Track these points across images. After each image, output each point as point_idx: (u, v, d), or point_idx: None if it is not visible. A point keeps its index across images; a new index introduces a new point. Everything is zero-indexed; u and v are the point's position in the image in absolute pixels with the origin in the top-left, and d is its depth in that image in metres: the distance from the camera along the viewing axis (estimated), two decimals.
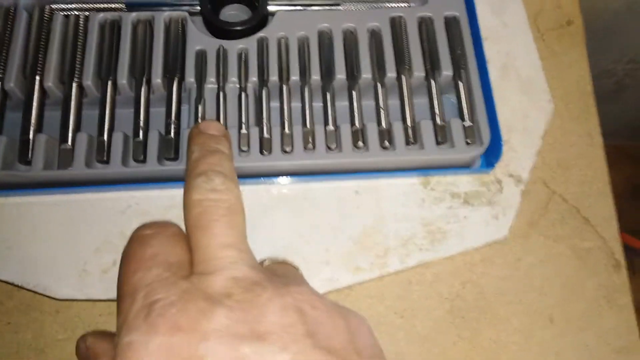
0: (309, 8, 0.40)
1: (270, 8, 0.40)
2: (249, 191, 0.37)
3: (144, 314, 0.18)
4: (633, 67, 0.97)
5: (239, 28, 0.39)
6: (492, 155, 0.38)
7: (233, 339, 0.17)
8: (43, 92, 0.37)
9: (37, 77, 0.36)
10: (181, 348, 0.17)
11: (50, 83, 0.36)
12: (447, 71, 0.38)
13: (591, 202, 0.42)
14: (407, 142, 0.36)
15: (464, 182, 0.39)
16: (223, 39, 0.38)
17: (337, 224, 0.37)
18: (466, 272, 0.39)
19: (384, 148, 0.36)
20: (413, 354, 0.37)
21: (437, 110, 0.37)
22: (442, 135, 0.36)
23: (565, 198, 0.42)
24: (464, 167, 0.38)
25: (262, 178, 0.37)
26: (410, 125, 0.37)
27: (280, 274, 0.22)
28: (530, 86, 0.42)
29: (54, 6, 0.38)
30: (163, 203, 0.37)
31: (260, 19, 0.39)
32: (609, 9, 0.80)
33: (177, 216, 0.37)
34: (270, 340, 0.18)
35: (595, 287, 0.40)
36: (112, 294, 0.35)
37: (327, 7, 0.40)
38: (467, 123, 0.37)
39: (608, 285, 0.40)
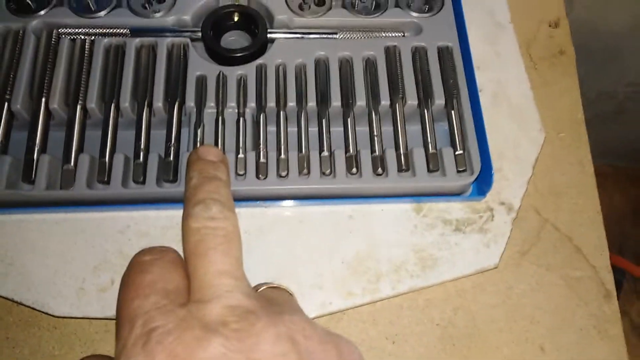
0: (307, 36, 0.41)
1: (270, 36, 0.41)
2: (245, 214, 0.38)
3: (143, 341, 0.19)
4: (633, 90, 0.97)
5: (239, 54, 0.40)
6: (483, 183, 0.39)
7: None
8: (48, 113, 0.38)
9: (43, 99, 0.38)
10: None
11: (55, 105, 0.37)
12: (439, 100, 0.39)
13: (583, 230, 0.42)
14: (400, 169, 0.37)
15: (456, 209, 0.40)
16: (223, 64, 0.40)
17: (330, 248, 0.38)
18: (457, 299, 0.40)
19: (377, 175, 0.37)
20: None
21: (429, 139, 0.38)
22: (433, 163, 0.37)
23: (557, 226, 0.42)
24: (455, 194, 0.39)
25: (257, 201, 0.37)
26: (403, 152, 0.38)
27: (274, 301, 0.23)
28: (522, 115, 0.43)
29: (61, 30, 0.40)
30: (161, 223, 0.38)
31: (259, 46, 0.40)
32: (609, 31, 0.81)
33: (175, 236, 0.38)
34: None
35: (586, 316, 0.40)
36: (109, 312, 0.36)
37: (325, 36, 0.41)
38: (459, 151, 0.38)
39: (599, 315, 0.40)
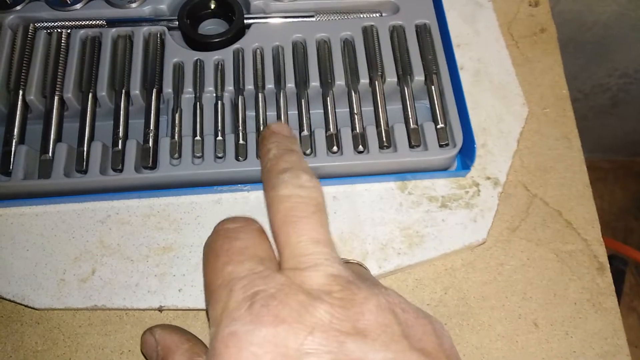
0: (284, 20, 0.41)
1: (247, 21, 0.41)
2: (226, 199, 0.38)
3: (247, 304, 0.18)
4: (626, 82, 0.97)
5: (215, 40, 0.40)
6: (467, 157, 0.38)
7: (337, 334, 0.18)
8: (25, 105, 0.38)
9: (20, 92, 0.37)
10: (287, 340, 0.17)
11: (32, 97, 0.37)
12: (419, 76, 0.39)
13: (572, 204, 0.42)
14: (381, 146, 0.37)
15: (441, 185, 0.39)
16: (201, 51, 0.39)
17: None
18: (448, 278, 0.39)
19: (359, 152, 0.36)
20: None
21: (410, 115, 0.38)
22: (415, 138, 0.37)
23: (546, 201, 0.42)
24: (440, 170, 0.38)
25: (238, 185, 0.37)
26: (383, 129, 0.37)
27: (361, 275, 0.22)
28: (504, 91, 0.43)
29: (37, 25, 0.40)
30: (142, 212, 0.37)
31: (236, 32, 0.40)
32: (599, 22, 0.81)
33: (155, 225, 0.37)
34: (371, 338, 0.18)
35: (579, 290, 0.39)
36: (91, 302, 0.35)
37: (301, 19, 0.41)
38: (440, 125, 0.37)
39: (592, 289, 0.39)
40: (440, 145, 0.37)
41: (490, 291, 0.39)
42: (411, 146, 0.37)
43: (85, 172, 0.35)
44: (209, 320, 0.20)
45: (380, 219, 0.38)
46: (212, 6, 0.42)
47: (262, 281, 0.19)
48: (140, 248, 0.36)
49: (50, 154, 0.36)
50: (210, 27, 0.43)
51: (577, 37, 0.49)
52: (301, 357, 0.17)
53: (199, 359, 0.21)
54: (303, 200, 0.21)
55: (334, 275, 0.19)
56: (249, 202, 0.38)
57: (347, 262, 0.24)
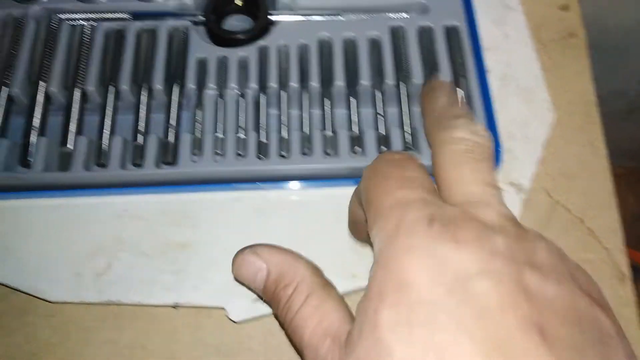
0: (310, 18, 0.40)
1: (272, 18, 0.40)
2: (246, 197, 0.37)
3: (426, 222, 0.18)
4: None
5: (240, 37, 0.39)
6: None
7: (517, 264, 0.18)
8: (47, 97, 0.37)
9: (42, 83, 0.37)
10: (468, 261, 0.17)
11: (54, 88, 0.37)
12: (446, 79, 0.38)
13: (595, 213, 0.41)
14: (405, 148, 0.36)
15: None
16: (225, 47, 0.39)
17: (333, 231, 0.37)
18: None
19: (381, 153, 0.36)
20: None
21: None
22: None
23: (568, 208, 0.41)
24: None
25: (258, 183, 0.36)
26: (408, 131, 0.37)
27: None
28: (531, 95, 0.42)
29: (61, 16, 0.40)
30: (159, 207, 0.37)
31: (261, 28, 0.40)
32: (619, 27, 0.80)
33: (172, 221, 0.37)
34: (545, 273, 0.18)
35: None
36: (106, 297, 0.35)
37: (328, 17, 0.40)
38: None
39: (614, 299, 0.38)
40: None
41: None
42: None
43: (105, 165, 0.35)
44: (371, 245, 0.21)
45: None
46: (238, 2, 0.42)
47: (436, 207, 0.19)
48: (156, 244, 0.36)
49: (70, 146, 0.35)
50: (235, 22, 0.43)
51: (597, 42, 0.49)
52: (482, 278, 0.17)
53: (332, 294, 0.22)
54: (479, 145, 0.21)
55: (506, 214, 0.20)
56: (268, 201, 0.37)
57: None
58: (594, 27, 0.52)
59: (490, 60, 0.43)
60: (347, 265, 0.36)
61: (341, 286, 0.35)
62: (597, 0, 0.72)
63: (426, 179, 0.21)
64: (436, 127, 0.23)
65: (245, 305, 0.34)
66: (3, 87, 0.37)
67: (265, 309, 0.35)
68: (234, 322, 0.34)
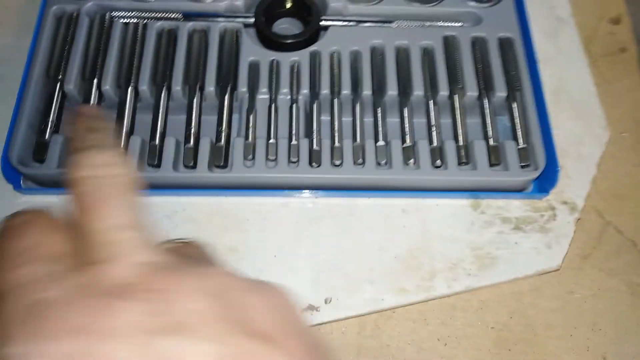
0: (361, 24, 0.40)
1: (323, 23, 0.40)
2: (295, 204, 0.37)
3: (22, 318, 0.15)
4: None
5: (291, 41, 0.39)
6: (546, 180, 0.37)
7: (144, 335, 0.15)
8: (100, 94, 0.37)
9: (95, 80, 0.37)
10: (79, 354, 0.15)
11: (107, 86, 0.37)
12: (500, 92, 0.37)
13: None
14: (460, 162, 0.35)
15: (515, 207, 0.38)
16: (274, 50, 0.39)
17: (382, 242, 0.36)
18: (514, 302, 0.37)
19: (436, 167, 0.35)
20: None
21: (490, 131, 0.36)
22: (495, 157, 0.35)
23: (620, 230, 0.40)
24: (516, 191, 0.37)
25: (309, 191, 0.36)
26: (462, 144, 0.36)
27: (185, 256, 0.19)
28: (584, 111, 0.41)
29: (114, 14, 0.40)
30: (209, 209, 0.37)
31: (312, 33, 0.39)
32: None
33: (221, 223, 0.37)
34: (191, 330, 0.15)
35: None
36: None
37: (380, 24, 0.40)
38: (522, 145, 0.36)
39: None
40: (522, 166, 0.35)
41: (557, 319, 0.37)
42: (491, 164, 0.35)
43: (158, 166, 0.35)
44: None
45: (451, 237, 0.37)
46: (288, 5, 0.41)
47: (53, 284, 0.16)
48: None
49: (122, 147, 0.35)
50: (284, 25, 0.42)
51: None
52: None
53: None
54: (102, 180, 0.18)
55: (142, 264, 0.16)
56: (318, 209, 0.37)
57: (174, 243, 0.21)
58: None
59: (542, 73, 0.42)
60: (396, 279, 0.35)
61: (389, 301, 0.35)
62: None
63: (51, 242, 0.18)
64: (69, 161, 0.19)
65: None
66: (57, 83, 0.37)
67: (313, 320, 0.34)
68: None
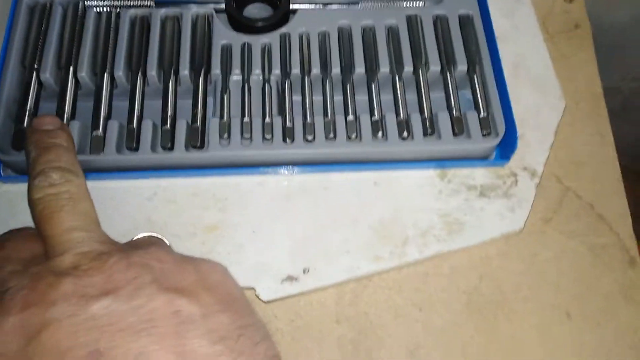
0: (328, 6, 0.41)
1: (292, 6, 0.41)
2: (270, 181, 0.38)
3: None
4: (638, 85, 0.97)
5: (261, 24, 0.40)
6: (507, 147, 0.39)
7: (80, 299, 0.19)
8: (76, 82, 0.38)
9: (71, 68, 0.38)
10: (32, 320, 0.18)
11: (83, 74, 0.38)
12: (462, 66, 0.39)
13: (604, 199, 0.42)
14: (425, 133, 0.37)
15: (479, 174, 0.40)
16: (247, 34, 0.40)
17: (356, 214, 0.38)
18: (482, 266, 0.40)
19: (403, 138, 0.37)
20: (431, 347, 0.37)
21: (453, 103, 0.38)
22: (458, 126, 0.38)
23: (579, 194, 0.42)
24: (480, 159, 0.39)
25: (284, 167, 0.38)
26: (427, 116, 0.38)
27: (137, 245, 0.23)
28: (542, 84, 0.44)
29: (87, 3, 0.40)
30: (188, 191, 0.38)
31: (282, 16, 0.41)
32: (615, 23, 0.81)
33: (201, 204, 0.38)
34: (118, 294, 0.19)
35: (610, 283, 0.40)
36: None
37: (346, 6, 0.41)
38: (483, 114, 0.38)
39: (624, 282, 0.40)
40: (483, 135, 0.37)
41: (524, 281, 0.39)
42: (455, 134, 0.37)
43: (136, 149, 0.36)
44: None
45: (421, 206, 0.39)
46: None
47: (16, 278, 0.20)
48: (186, 226, 0.37)
49: (101, 131, 0.36)
50: (254, 10, 0.44)
51: (593, 39, 0.51)
52: (44, 328, 0.18)
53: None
54: (54, 197, 0.22)
55: (84, 253, 0.21)
56: (292, 185, 0.38)
57: (139, 238, 0.25)
58: (592, 25, 0.54)
59: (501, 50, 0.44)
60: (371, 248, 0.37)
61: (366, 268, 0.37)
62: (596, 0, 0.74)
63: (24, 249, 0.22)
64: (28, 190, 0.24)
65: (274, 286, 0.36)
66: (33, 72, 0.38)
67: (293, 290, 0.36)
68: (264, 302, 0.35)
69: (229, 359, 0.19)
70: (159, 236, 0.26)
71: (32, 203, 0.23)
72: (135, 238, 0.25)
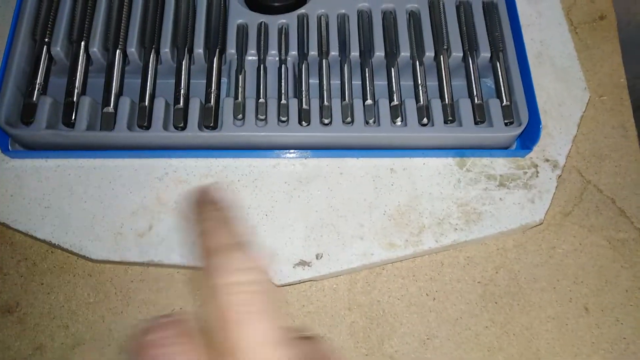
0: None
1: None
2: (285, 164, 0.37)
3: None
4: None
5: (279, 4, 0.39)
6: (528, 138, 0.38)
7: None
8: (88, 57, 0.37)
9: (83, 43, 0.37)
10: None
11: (95, 48, 0.37)
12: (485, 52, 0.38)
13: (626, 193, 0.41)
14: (446, 120, 0.36)
15: (499, 164, 0.39)
16: (264, 14, 0.39)
17: (371, 200, 0.37)
18: (499, 257, 0.39)
19: (423, 125, 0.36)
20: (444, 336, 0.36)
21: (475, 90, 0.37)
22: (480, 114, 0.36)
23: (600, 188, 0.41)
24: (501, 148, 0.38)
25: (299, 151, 0.37)
26: (448, 103, 0.37)
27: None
28: (566, 74, 0.42)
29: None
30: (199, 172, 0.37)
31: None
32: (633, 22, 0.80)
33: (212, 184, 0.37)
34: None
35: (630, 278, 0.39)
36: (147, 257, 0.35)
37: None
38: (505, 103, 0.37)
39: None
40: (505, 124, 0.36)
41: (541, 273, 0.38)
42: (476, 122, 0.36)
43: (147, 127, 0.35)
44: None
45: (438, 194, 0.37)
46: None
47: None
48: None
49: (112, 107, 0.35)
50: None
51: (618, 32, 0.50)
52: None
53: None
54: (245, 289, 0.17)
55: None
56: (306, 169, 0.37)
57: (300, 338, 0.20)
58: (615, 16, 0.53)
59: (525, 37, 0.43)
60: (386, 235, 0.36)
61: (380, 255, 0.36)
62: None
63: (182, 355, 0.17)
64: (203, 269, 0.18)
65: (286, 270, 0.35)
66: (44, 46, 0.37)
67: (305, 275, 0.35)
68: (276, 285, 0.35)
69: None
70: (320, 336, 0.21)
71: (210, 289, 0.17)
72: (297, 338, 0.20)
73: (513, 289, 0.38)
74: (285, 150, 0.37)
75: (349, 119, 0.36)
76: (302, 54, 0.38)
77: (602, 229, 0.40)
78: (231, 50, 0.38)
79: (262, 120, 0.36)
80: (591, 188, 0.41)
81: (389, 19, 0.39)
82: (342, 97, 0.37)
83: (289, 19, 0.39)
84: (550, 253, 0.39)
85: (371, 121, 0.36)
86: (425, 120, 0.36)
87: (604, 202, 0.41)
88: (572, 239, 0.40)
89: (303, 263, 0.35)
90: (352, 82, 0.38)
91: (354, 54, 0.38)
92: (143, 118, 0.35)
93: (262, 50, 0.38)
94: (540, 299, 0.38)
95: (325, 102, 0.36)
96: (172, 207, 0.36)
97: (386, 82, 0.38)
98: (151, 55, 0.37)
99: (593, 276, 0.39)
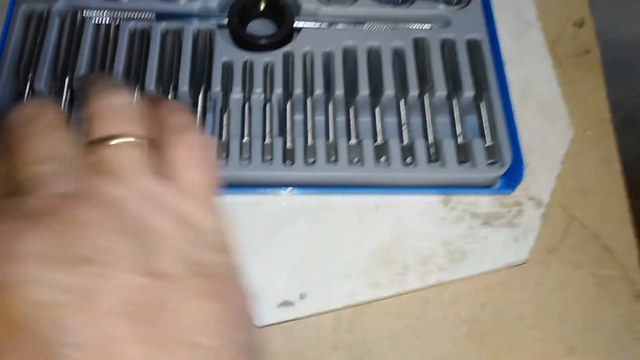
0: (334, 26, 0.41)
1: (296, 25, 0.40)
2: (269, 201, 0.37)
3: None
4: None
5: (265, 42, 0.39)
6: (512, 177, 0.38)
7: (45, 264, 0.15)
8: (72, 93, 0.37)
9: (67, 79, 0.37)
10: None
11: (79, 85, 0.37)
12: (468, 92, 0.39)
13: (611, 230, 0.41)
14: (429, 160, 0.36)
15: (484, 202, 0.39)
16: (248, 51, 0.39)
17: (356, 238, 0.37)
18: (484, 294, 0.38)
19: (406, 164, 0.36)
20: None
21: (458, 130, 0.37)
22: (463, 154, 0.37)
23: (585, 224, 0.41)
24: (484, 187, 0.38)
25: (283, 188, 0.37)
26: (432, 142, 0.37)
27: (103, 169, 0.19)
28: (550, 111, 0.43)
29: (85, 13, 0.39)
30: None
31: (286, 34, 0.40)
32: (622, 41, 0.81)
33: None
34: (89, 265, 0.16)
35: (616, 317, 0.39)
36: None
37: (352, 26, 0.41)
38: (489, 143, 0.37)
39: (629, 316, 0.39)
40: (489, 164, 0.36)
41: (527, 310, 0.38)
42: (459, 162, 0.36)
43: None
44: None
45: (423, 233, 0.37)
46: (262, 7, 0.42)
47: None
48: None
49: None
50: (258, 27, 0.43)
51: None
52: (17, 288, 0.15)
53: None
54: (27, 119, 0.18)
55: (59, 195, 0.17)
56: (291, 206, 0.37)
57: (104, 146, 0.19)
58: (598, 41, 0.54)
59: (509, 74, 0.43)
60: (371, 274, 0.36)
61: (364, 295, 0.36)
62: (599, 16, 0.73)
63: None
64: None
65: (268, 310, 0.34)
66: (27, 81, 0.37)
67: (289, 315, 0.35)
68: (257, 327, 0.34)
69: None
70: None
71: (6, 124, 0.18)
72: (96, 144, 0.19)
73: (498, 327, 0.38)
74: (269, 188, 0.37)
75: (333, 158, 0.36)
76: (287, 93, 0.38)
77: (587, 266, 0.40)
78: (216, 88, 0.38)
79: (246, 159, 0.36)
80: (576, 224, 0.42)
81: (374, 57, 0.40)
82: (327, 136, 0.37)
83: (274, 57, 0.39)
84: (535, 290, 0.39)
85: (355, 160, 0.36)
86: (409, 160, 0.36)
87: (589, 238, 0.41)
88: (557, 275, 0.39)
89: (287, 303, 0.35)
90: (337, 120, 0.38)
91: (339, 92, 0.38)
92: None
93: (247, 89, 0.38)
94: (525, 337, 0.38)
95: (310, 142, 0.36)
96: None
97: (370, 119, 0.38)
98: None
99: (578, 314, 0.38)
